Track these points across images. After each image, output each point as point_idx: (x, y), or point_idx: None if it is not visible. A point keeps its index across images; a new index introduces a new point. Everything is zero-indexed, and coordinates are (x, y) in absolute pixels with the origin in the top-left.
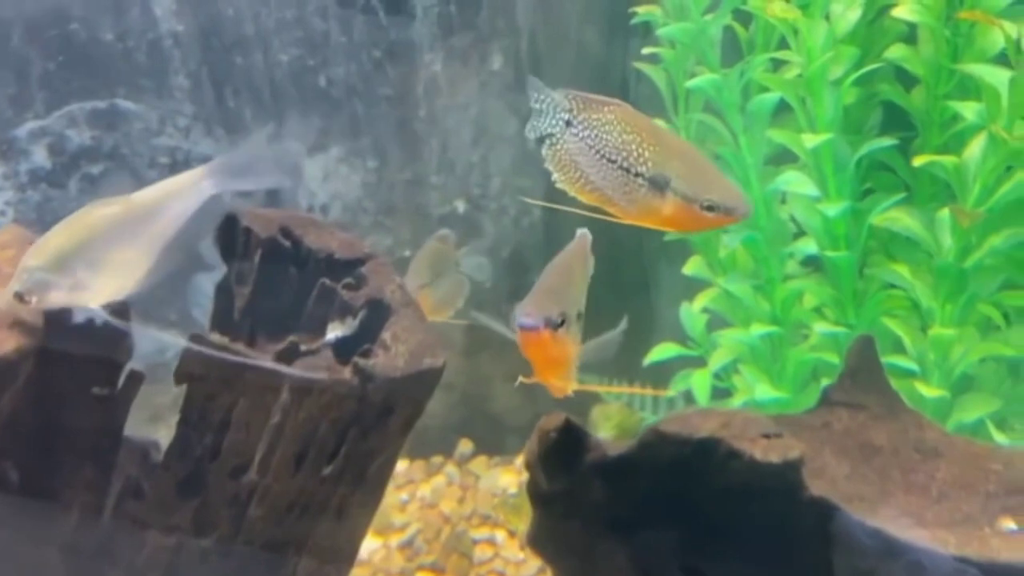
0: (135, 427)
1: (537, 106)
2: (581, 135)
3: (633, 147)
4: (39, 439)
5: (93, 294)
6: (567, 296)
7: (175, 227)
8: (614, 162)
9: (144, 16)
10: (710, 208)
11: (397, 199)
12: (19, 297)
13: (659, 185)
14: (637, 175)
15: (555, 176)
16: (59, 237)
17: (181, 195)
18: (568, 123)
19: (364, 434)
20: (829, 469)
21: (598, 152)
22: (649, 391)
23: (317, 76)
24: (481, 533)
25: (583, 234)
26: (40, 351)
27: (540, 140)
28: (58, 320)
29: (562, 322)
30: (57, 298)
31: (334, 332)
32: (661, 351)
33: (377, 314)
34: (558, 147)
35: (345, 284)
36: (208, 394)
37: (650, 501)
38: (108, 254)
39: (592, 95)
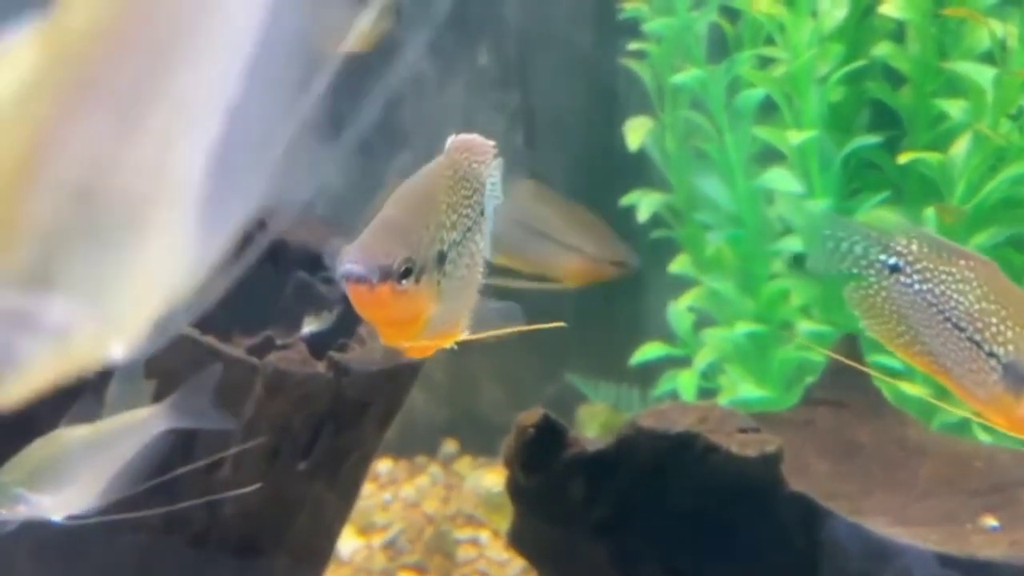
0: None
1: (833, 244)
2: (917, 287)
3: (992, 320)
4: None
5: (56, 509)
6: (419, 231)
7: (129, 454)
8: (963, 331)
9: None
10: None
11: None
12: None
13: (1017, 377)
14: (990, 355)
15: (865, 323)
16: (33, 456)
17: (138, 428)
18: (895, 268)
19: (339, 430)
20: (812, 467)
21: (940, 312)
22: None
23: None
24: (465, 533)
25: (454, 140)
26: None
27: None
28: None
29: (407, 271)
30: (22, 511)
31: (310, 326)
32: (647, 351)
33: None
34: (873, 292)
35: (322, 277)
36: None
37: (630, 497)
38: (71, 474)
39: (942, 240)
